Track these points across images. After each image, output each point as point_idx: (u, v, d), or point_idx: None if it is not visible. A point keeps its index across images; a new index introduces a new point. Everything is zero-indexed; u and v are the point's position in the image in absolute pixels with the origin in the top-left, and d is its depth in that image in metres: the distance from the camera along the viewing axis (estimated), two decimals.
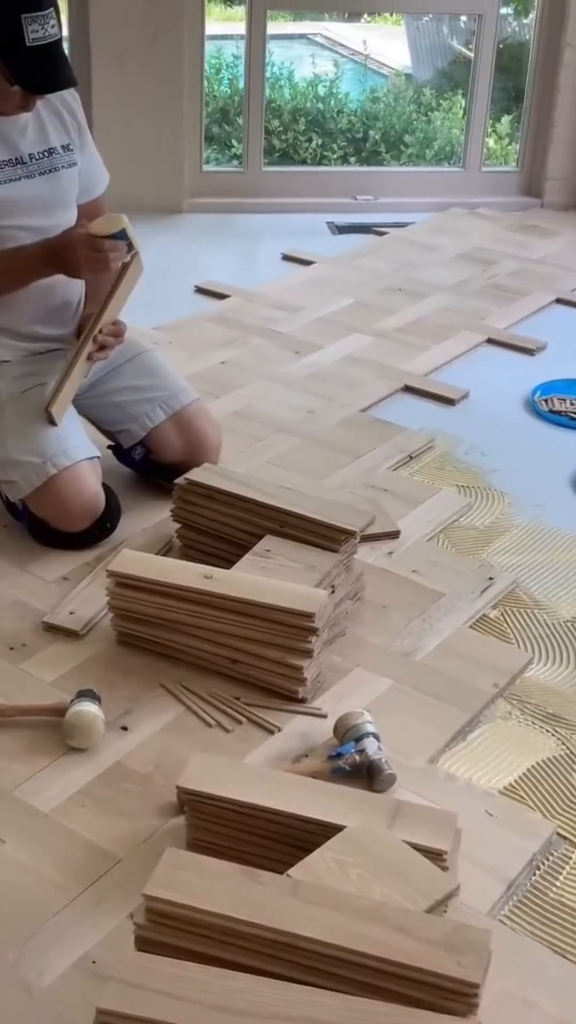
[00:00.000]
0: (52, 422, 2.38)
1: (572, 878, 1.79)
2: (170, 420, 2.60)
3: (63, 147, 2.45)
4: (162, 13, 4.44)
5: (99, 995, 1.36)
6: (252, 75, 4.81)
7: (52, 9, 2.21)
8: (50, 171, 2.43)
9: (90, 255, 2.31)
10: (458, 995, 1.38)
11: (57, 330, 2.55)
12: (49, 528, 2.44)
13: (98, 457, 2.49)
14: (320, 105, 6.43)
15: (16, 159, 2.38)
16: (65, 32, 4.46)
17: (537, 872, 1.79)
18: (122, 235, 2.33)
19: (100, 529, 2.46)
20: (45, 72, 2.25)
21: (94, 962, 1.57)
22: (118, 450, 2.71)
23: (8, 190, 2.36)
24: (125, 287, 2.49)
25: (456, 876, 1.65)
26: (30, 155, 2.39)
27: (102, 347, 2.47)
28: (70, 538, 2.44)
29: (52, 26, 2.21)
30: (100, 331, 2.45)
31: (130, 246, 2.34)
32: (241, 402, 3.17)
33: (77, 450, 2.41)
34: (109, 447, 2.71)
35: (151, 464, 2.67)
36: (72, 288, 2.53)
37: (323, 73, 6.78)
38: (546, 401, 3.32)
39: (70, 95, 2.46)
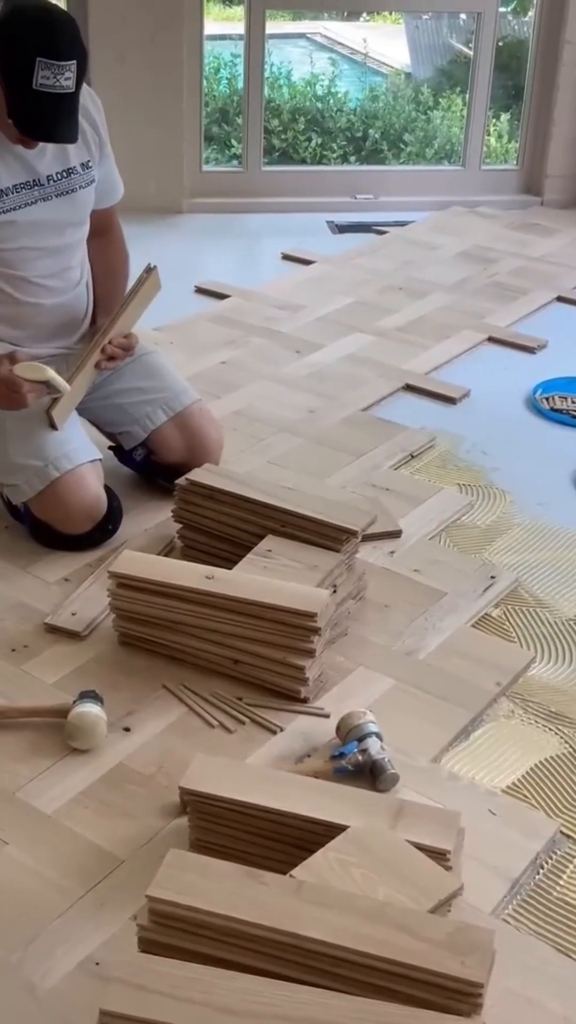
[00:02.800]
0: (53, 426, 2.38)
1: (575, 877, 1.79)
2: (172, 421, 2.60)
3: (82, 165, 2.44)
4: (161, 13, 4.44)
5: (103, 997, 1.36)
6: (251, 74, 4.80)
7: (73, 62, 2.16)
8: (67, 192, 2.42)
9: (7, 393, 2.31)
10: (462, 995, 1.38)
11: (63, 342, 2.56)
12: (51, 530, 2.44)
13: (100, 459, 2.49)
14: (319, 104, 6.43)
15: (34, 181, 2.36)
16: None
17: (541, 871, 1.79)
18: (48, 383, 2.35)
19: (102, 531, 2.46)
20: (43, 120, 2.21)
21: (98, 964, 1.57)
22: (119, 451, 2.70)
23: (24, 214, 2.35)
24: (140, 301, 2.49)
25: (459, 876, 1.65)
26: (48, 176, 2.38)
27: (111, 358, 2.47)
28: (72, 540, 2.44)
29: (67, 79, 2.16)
30: (110, 342, 2.45)
31: (50, 387, 2.35)
32: (242, 402, 3.17)
33: (79, 453, 2.41)
34: (110, 448, 2.71)
35: (152, 465, 2.67)
36: (79, 304, 2.54)
37: (322, 72, 6.78)
38: (547, 399, 3.32)
39: (93, 107, 2.45)
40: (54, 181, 2.39)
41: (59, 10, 2.30)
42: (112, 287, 2.63)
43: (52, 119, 2.21)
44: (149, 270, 2.50)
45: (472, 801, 1.88)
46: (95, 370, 2.47)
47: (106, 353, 2.45)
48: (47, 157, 2.37)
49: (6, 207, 2.33)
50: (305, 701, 2.07)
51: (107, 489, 2.48)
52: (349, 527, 2.27)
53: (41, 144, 2.32)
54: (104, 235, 2.62)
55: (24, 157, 2.34)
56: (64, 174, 2.40)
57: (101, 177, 2.51)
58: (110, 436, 2.70)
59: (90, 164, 2.46)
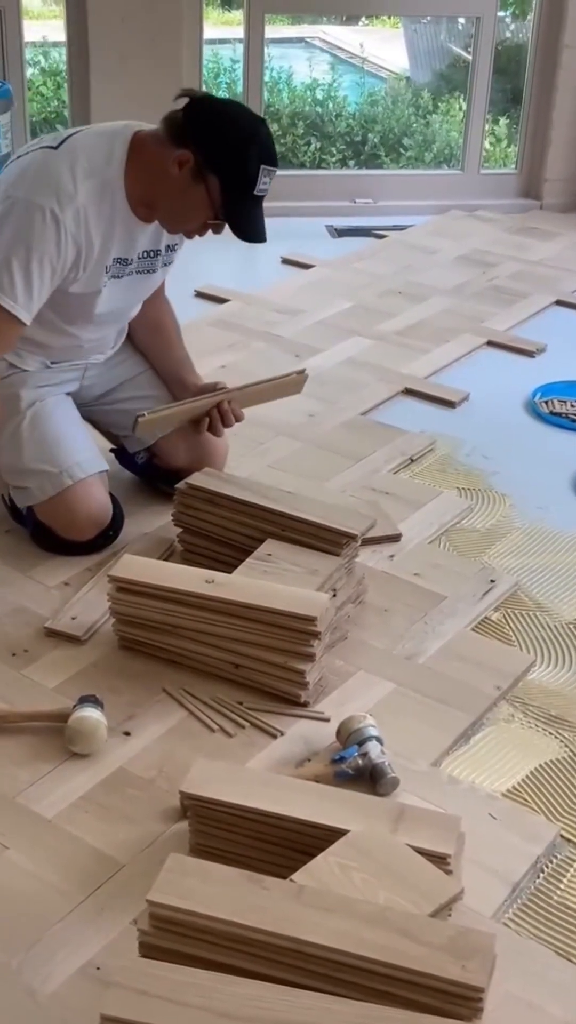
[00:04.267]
0: (135, 430, 2.44)
1: None
2: (180, 428, 2.59)
3: (168, 247, 2.45)
4: (160, 17, 4.45)
5: (103, 1001, 1.36)
6: (250, 79, 4.81)
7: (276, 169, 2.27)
8: (148, 271, 2.44)
9: None
10: (463, 999, 1.38)
11: (95, 358, 2.57)
12: (53, 535, 2.44)
13: (107, 470, 2.49)
14: (319, 108, 6.43)
15: (125, 259, 2.36)
16: (63, 36, 4.55)
17: (541, 875, 1.79)
18: None
19: (103, 537, 2.46)
20: (255, 222, 2.29)
21: (98, 968, 1.57)
22: (121, 453, 2.70)
23: (110, 287, 2.35)
24: (275, 390, 2.56)
25: (460, 880, 1.65)
26: (138, 254, 2.39)
27: (211, 420, 2.48)
28: (73, 545, 2.44)
29: (269, 183, 2.26)
30: (229, 402, 2.48)
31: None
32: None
33: (91, 463, 2.43)
34: (112, 451, 2.71)
35: (154, 469, 2.66)
36: (109, 344, 2.55)
37: (321, 77, 6.78)
38: (546, 403, 3.32)
39: None
40: (139, 259, 2.40)
41: (255, 113, 2.39)
42: (158, 340, 2.63)
43: (259, 220, 2.30)
44: (300, 372, 2.60)
45: (472, 805, 1.88)
46: (192, 417, 2.49)
47: (211, 416, 2.48)
48: (146, 236, 2.38)
49: (105, 280, 2.33)
50: (305, 705, 2.07)
51: (114, 501, 2.48)
52: (349, 531, 2.27)
53: (148, 226, 2.35)
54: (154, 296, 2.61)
55: (135, 236, 2.35)
56: (151, 254, 2.42)
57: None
58: (113, 438, 2.70)
59: (175, 247, 2.48)
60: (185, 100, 2.25)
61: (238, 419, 2.53)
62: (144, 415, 2.40)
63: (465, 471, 2.94)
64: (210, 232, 2.33)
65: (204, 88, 4.92)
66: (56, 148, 2.24)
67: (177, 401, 2.53)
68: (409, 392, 3.34)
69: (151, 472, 2.68)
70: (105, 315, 2.42)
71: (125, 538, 2.50)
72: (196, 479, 2.38)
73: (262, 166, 2.21)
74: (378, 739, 1.91)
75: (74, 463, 2.39)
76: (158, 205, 2.30)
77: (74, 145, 2.25)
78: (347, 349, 3.59)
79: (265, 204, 2.29)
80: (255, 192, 2.23)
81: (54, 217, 2.18)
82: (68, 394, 2.53)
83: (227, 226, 2.30)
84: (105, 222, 2.26)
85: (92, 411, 2.61)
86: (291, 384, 2.61)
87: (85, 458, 2.42)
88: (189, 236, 2.37)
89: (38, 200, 2.18)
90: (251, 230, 2.30)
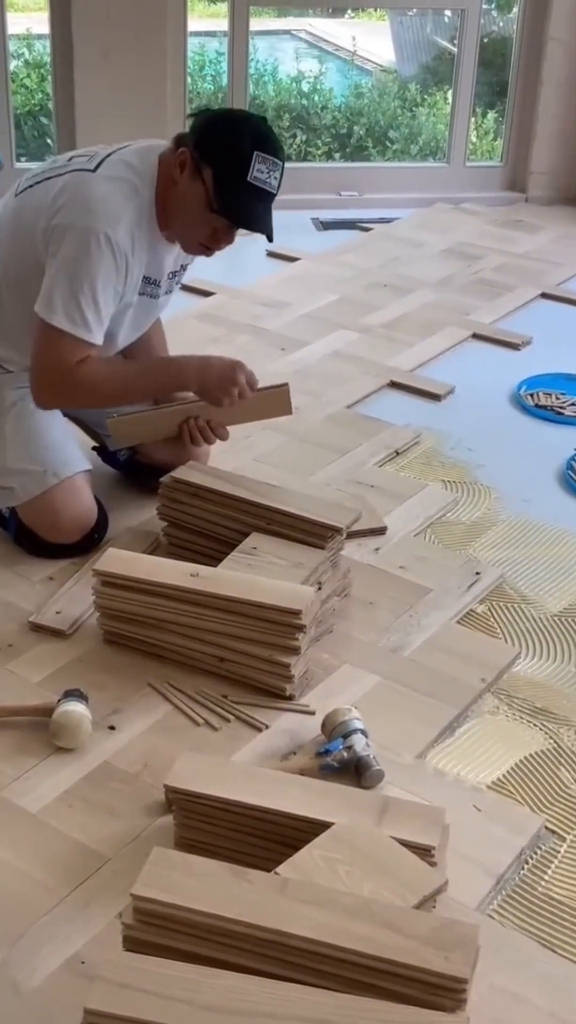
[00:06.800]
0: (113, 438, 2.45)
1: (561, 872, 1.79)
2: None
3: (184, 266, 2.48)
4: (145, 10, 4.43)
5: (87, 995, 1.36)
6: (235, 72, 4.80)
7: (282, 165, 2.22)
8: (168, 292, 2.46)
9: (232, 387, 2.34)
10: (446, 991, 1.38)
11: None
12: (36, 537, 2.41)
13: (91, 470, 2.47)
14: (304, 101, 6.42)
15: (153, 280, 2.37)
16: (47, 30, 4.53)
17: (526, 866, 1.79)
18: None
19: (88, 540, 2.43)
20: (251, 210, 2.23)
21: (83, 962, 1.57)
22: (103, 450, 2.69)
23: (136, 305, 2.35)
24: (256, 407, 2.45)
25: (444, 871, 1.65)
26: (166, 275, 2.40)
27: (190, 433, 2.44)
28: (57, 548, 2.41)
29: (275, 178, 2.21)
30: (196, 418, 2.43)
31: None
32: None
33: (76, 463, 2.41)
34: (93, 448, 2.69)
35: (136, 465, 2.65)
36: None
37: (307, 69, 6.77)
38: (532, 395, 3.33)
39: None
40: (168, 279, 2.41)
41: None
42: (141, 345, 2.59)
43: (261, 210, 2.24)
44: (280, 386, 2.49)
45: (457, 797, 1.88)
46: (166, 425, 2.46)
47: (189, 425, 2.43)
48: (171, 257, 2.39)
49: (135, 299, 2.33)
50: (290, 698, 2.07)
51: (95, 500, 2.46)
52: (334, 524, 2.27)
53: (173, 246, 2.36)
54: None
55: (162, 258, 2.35)
56: (173, 275, 2.44)
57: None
58: (95, 435, 2.68)
59: (187, 265, 2.50)
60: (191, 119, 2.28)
61: (220, 438, 2.48)
62: (113, 416, 2.40)
63: (450, 464, 2.94)
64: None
65: (188, 80, 4.90)
66: (94, 171, 2.23)
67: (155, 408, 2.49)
68: (394, 385, 3.35)
69: (132, 468, 2.67)
70: (119, 335, 2.40)
71: (110, 532, 2.49)
72: (181, 473, 2.38)
73: (256, 152, 2.17)
74: (363, 732, 1.92)
75: (59, 462, 2.37)
76: (173, 218, 2.29)
77: (112, 167, 2.24)
78: (332, 342, 3.59)
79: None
80: (250, 179, 2.18)
81: (108, 241, 2.17)
82: None
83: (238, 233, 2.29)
84: (145, 242, 2.27)
85: (75, 409, 2.59)
86: (274, 401, 2.49)
87: (70, 457, 2.41)
88: (201, 251, 2.34)
89: (92, 224, 2.17)
90: (250, 220, 2.26)
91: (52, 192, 2.25)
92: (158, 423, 2.46)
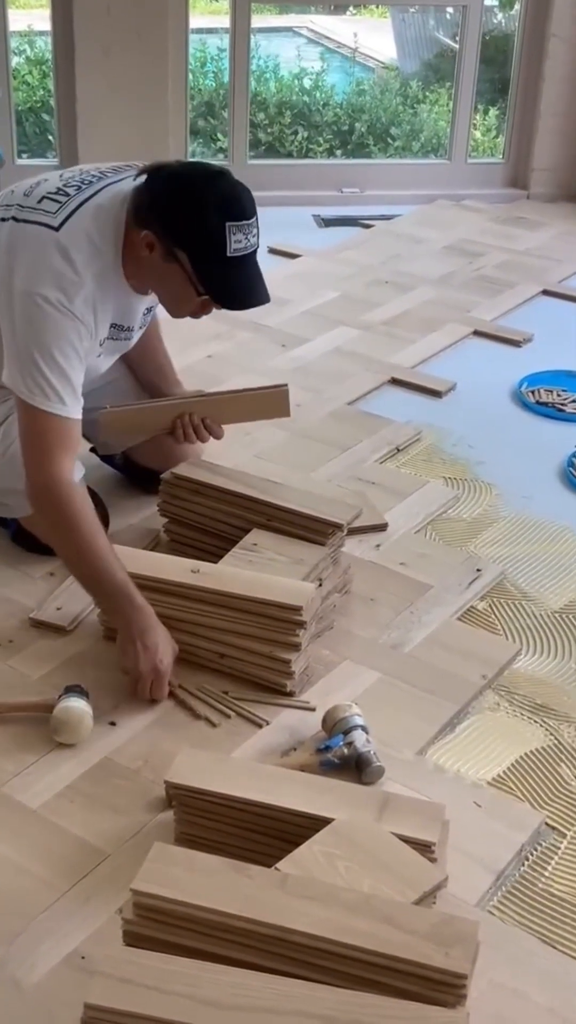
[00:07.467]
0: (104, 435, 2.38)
1: (560, 868, 1.79)
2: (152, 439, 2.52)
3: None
4: (146, 6, 4.43)
5: (88, 990, 1.36)
6: (237, 68, 4.80)
7: (255, 217, 2.08)
8: (140, 327, 2.38)
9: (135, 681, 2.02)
10: (446, 986, 1.38)
11: None
12: (35, 538, 2.38)
13: (83, 472, 2.42)
14: (306, 98, 6.41)
15: (123, 327, 2.28)
16: (48, 26, 4.53)
17: (526, 862, 1.79)
18: None
19: None
20: (242, 288, 2.11)
21: (83, 958, 1.57)
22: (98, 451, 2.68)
23: (107, 351, 2.28)
24: (253, 404, 2.41)
25: (444, 867, 1.65)
26: (138, 324, 2.33)
27: (183, 429, 2.39)
28: None
29: (253, 236, 2.08)
30: (191, 415, 2.38)
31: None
32: None
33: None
34: (92, 450, 2.68)
35: (133, 465, 2.64)
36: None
37: (309, 66, 6.76)
38: (533, 392, 3.32)
39: None
40: (140, 318, 2.34)
41: (216, 166, 2.18)
42: (151, 369, 2.55)
43: (249, 284, 2.11)
44: (279, 386, 2.43)
45: (457, 793, 1.88)
46: (159, 423, 2.41)
47: (183, 422, 2.38)
48: (143, 301, 2.31)
49: (100, 351, 2.24)
50: (291, 695, 2.07)
51: (94, 496, 2.41)
52: (335, 520, 2.27)
53: (146, 296, 2.27)
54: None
55: (134, 309, 2.28)
56: (145, 312, 2.36)
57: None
58: (87, 439, 2.65)
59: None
60: (144, 177, 2.11)
61: (215, 436, 2.44)
62: (106, 408, 2.36)
63: (451, 461, 2.94)
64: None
65: (189, 77, 4.90)
66: (57, 229, 2.09)
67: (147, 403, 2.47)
68: (395, 382, 3.34)
69: (130, 468, 2.65)
70: (104, 375, 2.37)
71: (110, 528, 2.49)
72: (182, 469, 2.38)
73: (228, 224, 2.03)
74: (363, 728, 1.92)
75: None
76: (151, 287, 2.23)
77: (75, 227, 2.10)
78: (334, 339, 3.58)
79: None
80: (229, 254, 2.05)
81: (64, 307, 2.06)
82: None
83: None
84: (107, 302, 2.17)
85: None
86: (272, 401, 2.46)
87: None
88: (196, 317, 2.24)
89: (45, 292, 2.05)
90: (241, 297, 2.14)
91: (15, 246, 2.11)
92: (152, 417, 2.44)
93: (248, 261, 2.10)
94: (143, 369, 2.59)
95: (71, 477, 2.09)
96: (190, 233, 2.06)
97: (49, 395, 2.07)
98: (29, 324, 2.07)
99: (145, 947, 1.45)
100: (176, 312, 2.24)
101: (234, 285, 2.11)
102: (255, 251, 2.12)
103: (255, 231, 2.10)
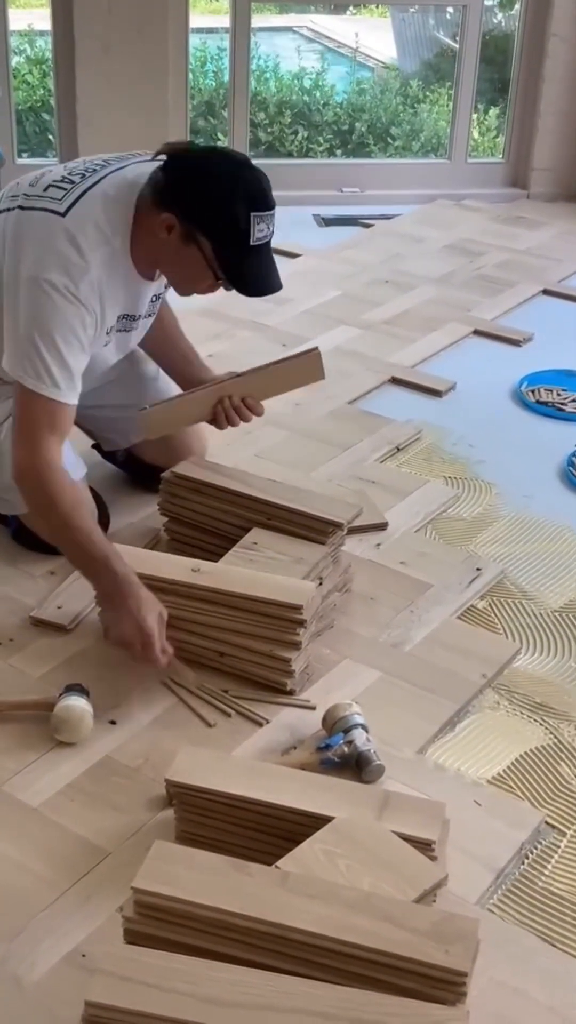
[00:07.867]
0: (144, 429, 2.35)
1: (561, 866, 1.79)
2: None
3: (166, 285, 2.35)
4: (146, 6, 4.43)
5: (88, 988, 1.36)
6: (237, 68, 4.80)
7: (274, 206, 2.11)
8: (148, 316, 2.36)
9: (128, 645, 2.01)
10: (446, 984, 1.38)
11: None
12: (36, 536, 2.38)
13: (85, 471, 2.42)
14: (306, 98, 6.41)
15: (132, 316, 2.27)
16: (48, 26, 4.54)
17: (526, 861, 1.80)
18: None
19: None
20: (261, 276, 2.14)
21: (84, 956, 1.57)
22: (100, 448, 2.68)
23: (114, 341, 2.27)
24: (287, 374, 2.38)
25: (444, 866, 1.65)
26: (144, 312, 2.32)
27: (225, 413, 2.36)
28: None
29: (272, 224, 2.11)
30: (230, 397, 2.35)
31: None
32: None
33: (72, 470, 2.35)
34: (93, 446, 2.68)
35: (135, 462, 2.64)
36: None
37: (309, 66, 6.76)
38: (533, 392, 3.33)
39: None
40: (147, 306, 2.33)
41: (239, 155, 2.22)
42: (159, 336, 2.52)
43: (266, 271, 2.15)
44: (309, 351, 2.41)
45: (457, 792, 1.88)
46: (198, 412, 2.38)
47: (223, 406, 2.36)
48: (151, 288, 2.30)
49: (108, 340, 2.23)
50: (291, 693, 2.07)
51: (95, 495, 2.42)
52: (335, 519, 2.27)
53: (154, 282, 2.26)
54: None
55: (142, 295, 2.27)
56: (153, 299, 2.34)
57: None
58: (90, 434, 2.66)
59: (168, 285, 2.36)
60: (164, 158, 2.12)
61: (256, 413, 2.41)
62: (146, 408, 2.33)
63: (451, 460, 2.94)
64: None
65: (190, 76, 4.90)
66: (64, 215, 2.10)
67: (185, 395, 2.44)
68: (396, 381, 3.35)
69: (131, 466, 2.65)
70: (110, 369, 2.36)
71: (111, 527, 2.49)
72: (182, 468, 2.38)
73: (252, 214, 2.06)
74: (364, 727, 1.92)
75: None
76: (162, 269, 2.23)
77: (82, 213, 2.10)
78: (334, 338, 3.58)
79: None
80: (252, 243, 2.08)
81: (69, 293, 2.06)
82: None
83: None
84: (115, 288, 2.17)
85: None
86: (306, 367, 2.43)
87: (67, 463, 2.35)
88: (202, 294, 2.25)
89: (50, 277, 2.05)
90: (259, 285, 2.17)
91: (22, 231, 2.12)
92: (192, 408, 2.39)
93: (266, 250, 2.14)
94: (169, 358, 2.57)
95: (57, 460, 2.09)
96: (216, 221, 2.08)
97: (44, 377, 2.08)
98: (33, 309, 2.08)
99: (146, 945, 1.45)
100: (185, 292, 2.26)
101: (253, 272, 2.14)
102: (271, 238, 2.15)
103: (273, 220, 2.13)
